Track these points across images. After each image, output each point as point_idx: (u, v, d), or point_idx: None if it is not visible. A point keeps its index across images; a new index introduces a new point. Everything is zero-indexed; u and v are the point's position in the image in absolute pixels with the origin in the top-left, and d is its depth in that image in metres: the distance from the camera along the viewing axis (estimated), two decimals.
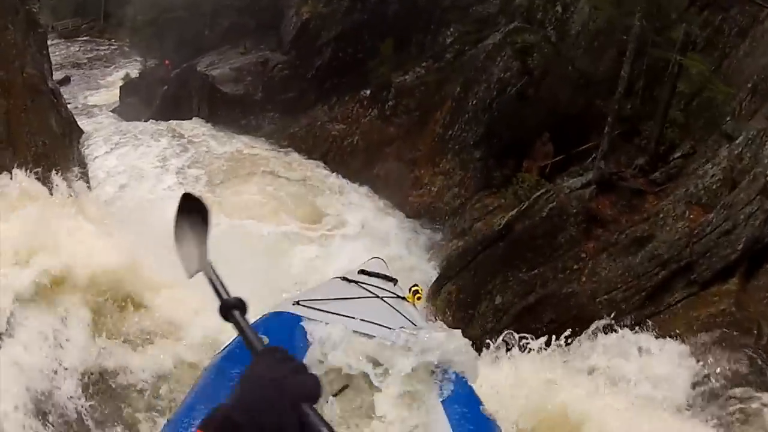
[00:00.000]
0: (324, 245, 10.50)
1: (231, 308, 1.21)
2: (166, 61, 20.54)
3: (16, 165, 5.98)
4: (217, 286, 1.29)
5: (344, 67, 15.26)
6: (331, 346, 2.45)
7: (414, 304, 3.73)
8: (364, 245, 10.29)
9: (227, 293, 1.27)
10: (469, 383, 2.49)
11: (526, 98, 12.72)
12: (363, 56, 15.13)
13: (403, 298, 3.67)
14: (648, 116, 10.88)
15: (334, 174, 13.82)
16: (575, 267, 8.48)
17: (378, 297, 3.46)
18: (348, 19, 15.61)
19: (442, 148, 13.37)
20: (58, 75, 22.11)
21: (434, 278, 10.00)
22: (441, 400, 2.36)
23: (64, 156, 8.28)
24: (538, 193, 9.61)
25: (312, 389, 0.93)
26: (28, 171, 5.91)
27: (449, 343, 2.49)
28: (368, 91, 14.49)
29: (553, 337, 4.81)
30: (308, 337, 2.55)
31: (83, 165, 9.67)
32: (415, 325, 3.04)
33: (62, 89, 20.57)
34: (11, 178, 5.73)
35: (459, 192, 12.94)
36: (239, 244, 10.28)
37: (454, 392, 2.39)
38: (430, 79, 14.22)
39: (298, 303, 2.94)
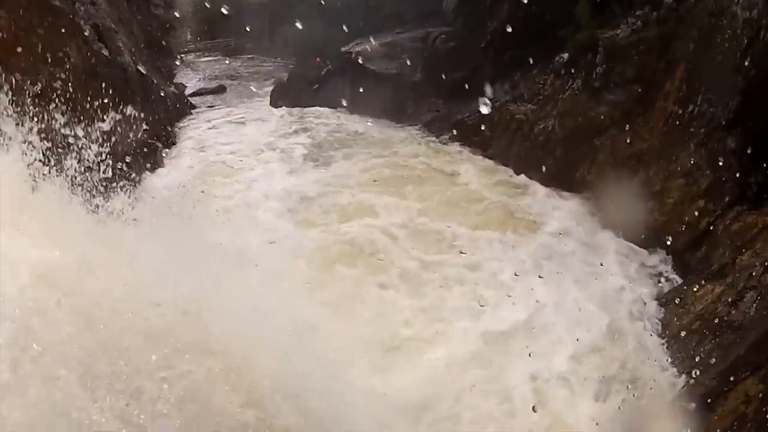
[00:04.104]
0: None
1: None
2: (318, 59, 18.36)
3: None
4: None
5: (527, 31, 11.25)
6: None
7: None
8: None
9: None
10: None
11: None
12: (551, 17, 11.05)
13: None
14: None
15: (521, 176, 10.02)
16: None
17: None
18: None
19: (680, 134, 8.90)
20: (212, 84, 22.21)
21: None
22: None
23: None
24: None
25: None
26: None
27: None
28: (566, 56, 10.33)
29: None
30: None
31: (167, 141, 7.38)
32: None
33: (216, 97, 20.21)
34: None
35: (705, 206, 8.44)
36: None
37: None
38: (651, 34, 9.79)
39: None
